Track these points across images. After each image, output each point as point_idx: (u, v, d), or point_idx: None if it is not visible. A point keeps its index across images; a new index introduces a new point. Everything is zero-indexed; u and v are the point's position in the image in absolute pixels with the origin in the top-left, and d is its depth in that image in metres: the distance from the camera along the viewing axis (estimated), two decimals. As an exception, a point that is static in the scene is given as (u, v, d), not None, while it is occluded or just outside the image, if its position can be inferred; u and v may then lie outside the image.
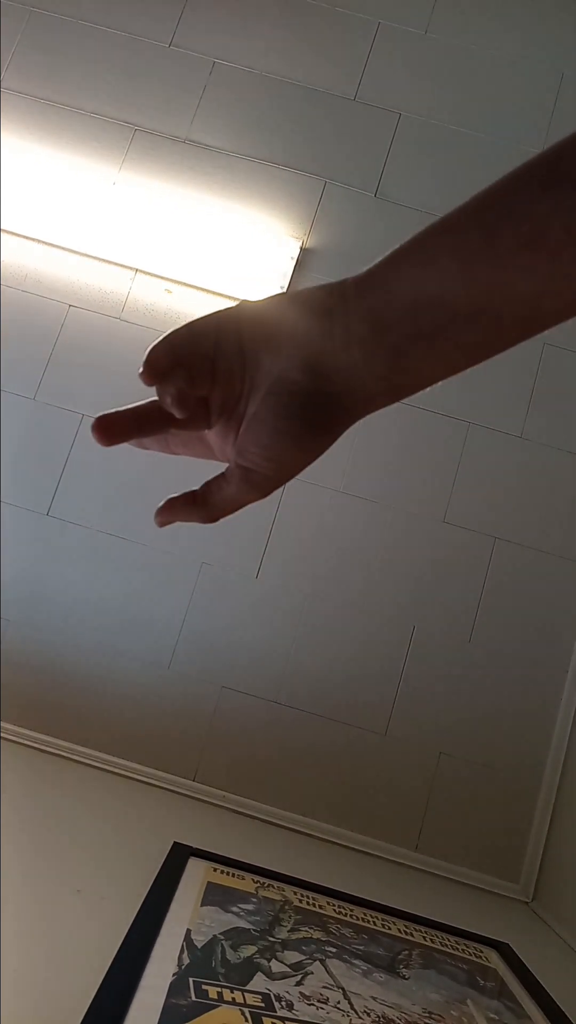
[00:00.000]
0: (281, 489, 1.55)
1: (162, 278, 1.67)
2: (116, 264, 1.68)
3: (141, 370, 0.40)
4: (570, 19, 1.84)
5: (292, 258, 1.66)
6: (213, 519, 0.45)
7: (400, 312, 0.35)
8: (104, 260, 1.67)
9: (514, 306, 0.33)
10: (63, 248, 1.67)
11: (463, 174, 1.74)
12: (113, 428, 0.43)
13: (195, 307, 1.66)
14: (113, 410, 0.44)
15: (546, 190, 0.32)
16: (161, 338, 0.40)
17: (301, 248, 1.68)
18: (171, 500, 0.47)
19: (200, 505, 0.45)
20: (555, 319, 0.34)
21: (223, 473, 0.44)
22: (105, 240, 1.66)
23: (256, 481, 0.42)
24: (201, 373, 0.40)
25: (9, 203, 1.67)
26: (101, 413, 0.42)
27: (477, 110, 1.77)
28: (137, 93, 1.78)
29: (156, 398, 0.43)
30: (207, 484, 0.45)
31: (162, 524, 0.48)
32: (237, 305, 0.41)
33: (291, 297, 0.40)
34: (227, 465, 0.44)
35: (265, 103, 1.77)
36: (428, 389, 0.38)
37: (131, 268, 1.68)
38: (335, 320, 0.37)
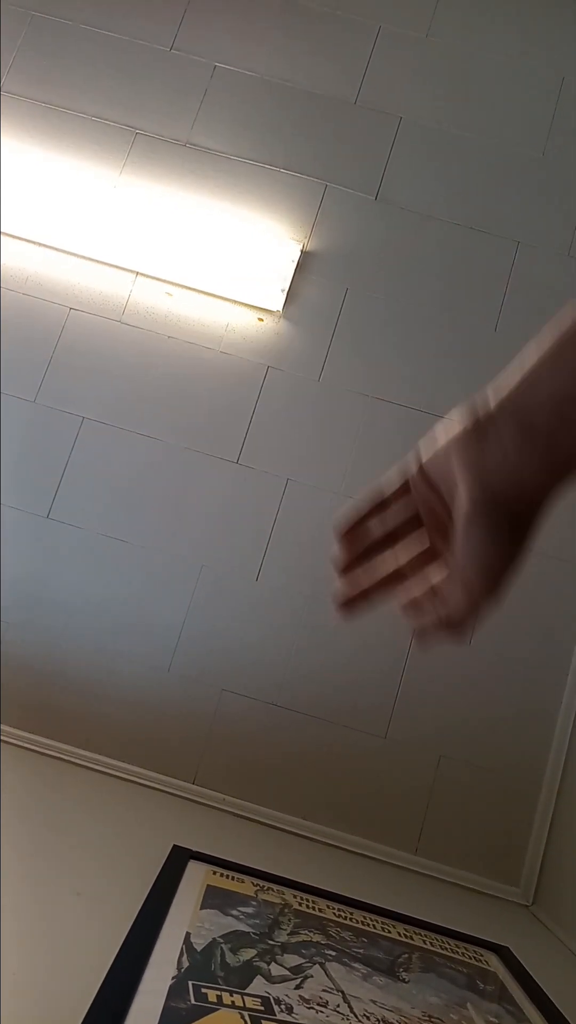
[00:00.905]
0: (282, 490, 1.55)
1: (163, 281, 1.67)
2: (117, 267, 1.68)
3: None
4: (571, 23, 1.84)
5: (293, 261, 1.66)
6: (461, 635, 0.48)
7: (546, 414, 0.41)
8: (105, 263, 1.68)
9: None
10: (64, 251, 1.68)
11: (464, 178, 1.74)
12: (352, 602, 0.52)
13: (196, 310, 1.66)
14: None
15: None
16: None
17: (302, 251, 1.68)
18: (423, 628, 0.48)
19: (448, 626, 0.48)
20: None
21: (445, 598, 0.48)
22: (106, 243, 1.67)
23: (472, 595, 0.45)
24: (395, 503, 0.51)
25: (10, 206, 1.67)
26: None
27: (478, 114, 1.78)
28: (138, 97, 1.78)
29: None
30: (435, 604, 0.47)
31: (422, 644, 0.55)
32: (420, 450, 0.49)
33: (453, 432, 0.46)
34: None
35: (266, 106, 1.78)
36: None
37: (132, 271, 1.68)
38: (490, 439, 0.43)
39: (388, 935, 1.00)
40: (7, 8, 1.81)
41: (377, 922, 1.04)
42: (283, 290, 1.64)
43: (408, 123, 1.77)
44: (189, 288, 1.67)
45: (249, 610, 1.54)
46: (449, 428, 0.46)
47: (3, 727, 1.44)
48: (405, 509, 0.51)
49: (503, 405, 0.43)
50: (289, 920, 0.94)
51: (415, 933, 1.05)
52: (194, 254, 1.67)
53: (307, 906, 1.02)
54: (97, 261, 1.68)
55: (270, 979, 0.76)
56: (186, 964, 0.74)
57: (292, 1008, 0.71)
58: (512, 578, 0.44)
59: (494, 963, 1.03)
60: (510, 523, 0.44)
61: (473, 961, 1.01)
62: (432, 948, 1.01)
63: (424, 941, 1.03)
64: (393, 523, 0.51)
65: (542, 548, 1.56)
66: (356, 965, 0.87)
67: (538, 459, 0.42)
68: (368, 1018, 0.74)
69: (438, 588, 0.47)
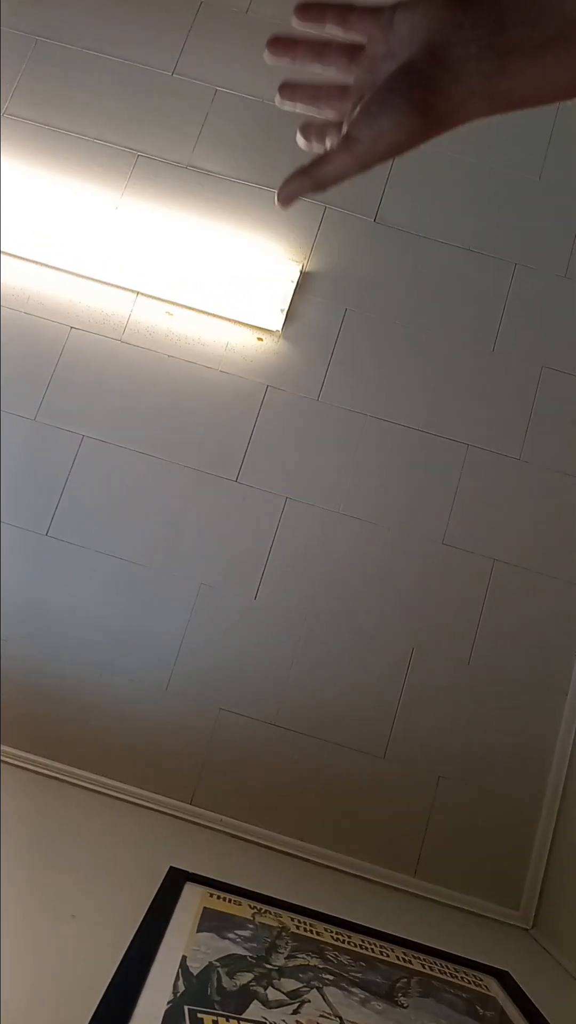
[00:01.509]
0: (280, 509, 1.56)
1: (163, 301, 1.69)
2: (118, 287, 1.69)
3: None
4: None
5: (292, 282, 1.68)
6: (322, 187, 0.49)
7: (520, 16, 0.39)
8: (106, 283, 1.69)
9: None
10: (65, 271, 1.69)
11: (461, 200, 1.76)
12: (283, 43, 0.53)
13: (196, 330, 1.67)
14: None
15: None
16: None
17: (301, 272, 1.70)
18: (286, 180, 0.51)
19: (308, 175, 0.50)
20: None
21: (331, 147, 0.49)
22: (107, 263, 1.68)
23: (357, 153, 0.45)
24: (358, 20, 0.48)
25: (13, 226, 1.69)
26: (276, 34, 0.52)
27: (474, 136, 1.80)
28: (140, 120, 1.81)
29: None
30: (316, 157, 0.50)
31: (285, 203, 0.53)
32: None
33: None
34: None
35: (266, 130, 1.80)
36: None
37: (133, 291, 1.69)
38: (468, 15, 0.41)
39: (387, 959, 0.99)
40: (12, 32, 1.84)
41: (375, 946, 1.03)
42: (283, 310, 1.66)
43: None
44: (189, 308, 1.68)
45: (247, 629, 1.54)
46: None
47: (2, 747, 1.44)
48: (357, 33, 0.49)
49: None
50: (286, 944, 0.93)
51: (414, 957, 1.04)
52: (194, 274, 1.68)
53: (305, 929, 1.01)
54: (98, 281, 1.69)
55: (267, 1004, 0.75)
56: (182, 988, 0.73)
57: (289, 1034, 0.70)
58: (383, 160, 0.45)
59: (494, 988, 1.02)
60: (420, 101, 0.42)
61: (473, 986, 0.99)
62: (431, 972, 1.00)
63: (423, 965, 1.01)
64: (340, 34, 0.50)
65: (540, 568, 1.56)
66: (354, 990, 0.86)
67: (488, 63, 0.40)
68: (366, 1044, 0.73)
69: (328, 130, 0.51)
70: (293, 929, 0.99)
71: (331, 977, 0.87)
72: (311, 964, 0.89)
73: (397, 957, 1.01)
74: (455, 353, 1.67)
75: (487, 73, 0.40)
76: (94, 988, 0.68)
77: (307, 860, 1.41)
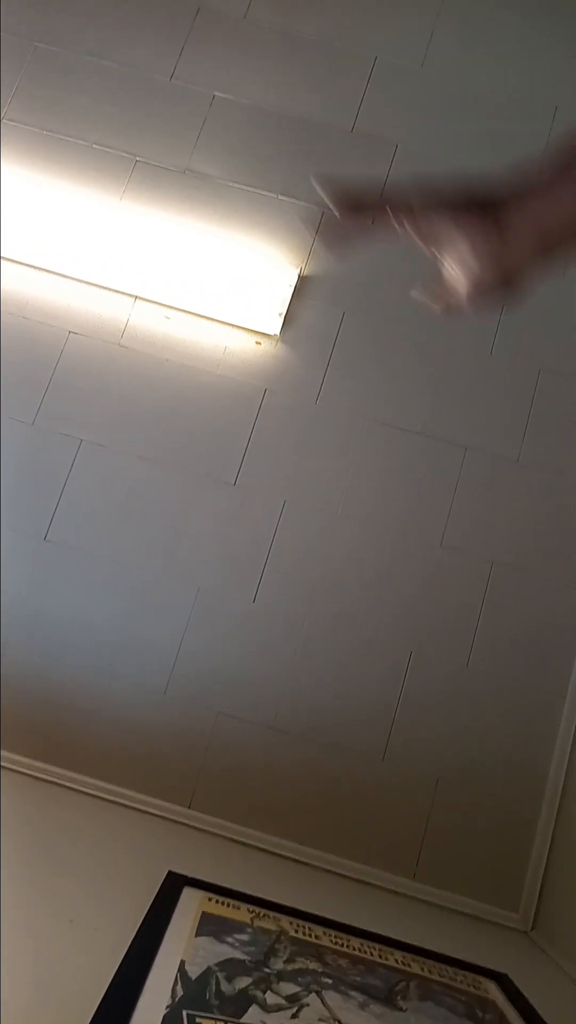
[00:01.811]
0: (279, 512, 1.56)
1: (162, 305, 1.69)
2: (116, 291, 1.70)
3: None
4: (564, 52, 1.88)
5: (290, 286, 1.68)
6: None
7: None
8: (104, 287, 1.69)
9: None
10: (64, 275, 1.70)
11: (458, 204, 1.76)
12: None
13: (194, 333, 1.68)
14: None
15: None
16: None
17: (299, 275, 1.70)
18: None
19: None
20: None
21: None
22: (105, 267, 1.69)
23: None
24: None
25: (11, 231, 1.69)
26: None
27: (472, 141, 1.81)
28: (138, 125, 1.81)
29: None
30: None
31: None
32: None
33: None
34: None
35: (264, 134, 1.81)
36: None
37: (131, 295, 1.70)
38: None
39: (385, 962, 0.99)
40: (11, 38, 1.85)
41: (374, 949, 1.03)
42: (281, 314, 1.66)
43: (404, 151, 1.80)
44: (187, 312, 1.69)
45: (246, 632, 1.54)
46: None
47: (1, 751, 1.44)
48: None
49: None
50: (285, 947, 0.93)
51: (413, 960, 1.03)
52: (193, 278, 1.68)
53: (303, 933, 1.01)
54: (96, 285, 1.69)
55: (265, 1008, 0.75)
56: (180, 993, 0.73)
57: (287, 1038, 0.70)
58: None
59: (493, 991, 1.02)
60: None
61: (472, 989, 0.99)
62: (430, 976, 1.00)
63: (422, 968, 1.01)
64: None
65: (539, 570, 1.56)
66: (353, 993, 0.86)
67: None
68: (364, 1048, 0.73)
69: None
70: (292, 933, 0.99)
71: (330, 981, 0.87)
72: (310, 968, 0.89)
73: (396, 960, 1.01)
74: (453, 356, 1.68)
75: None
76: (93, 992, 0.68)
77: (306, 864, 1.41)
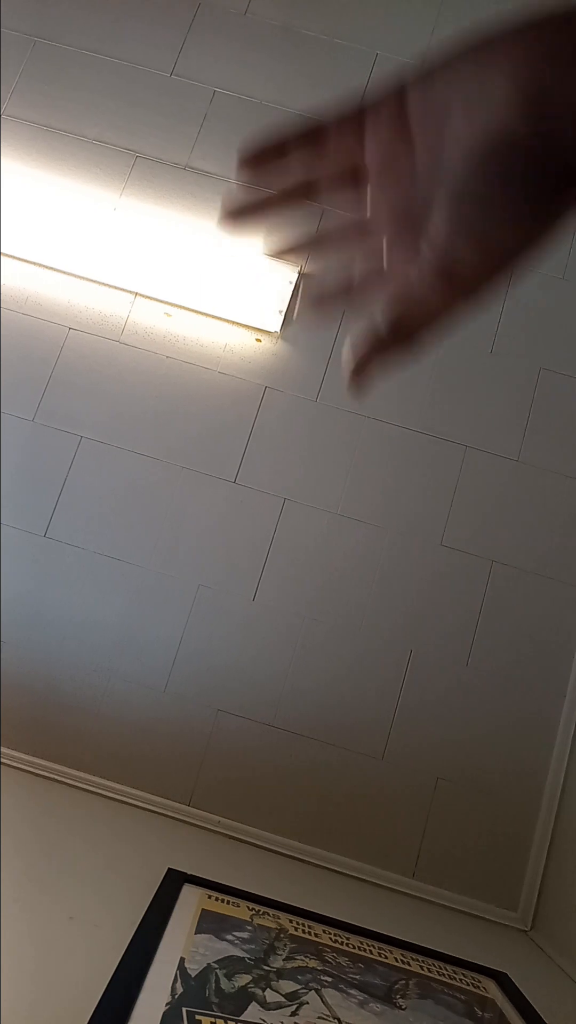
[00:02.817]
0: (279, 511, 1.55)
1: (162, 302, 1.69)
2: (116, 288, 1.69)
3: None
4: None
5: (290, 283, 1.68)
6: None
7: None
8: (104, 284, 1.69)
9: None
10: (64, 272, 1.69)
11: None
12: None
13: (194, 331, 1.67)
14: None
15: None
16: None
17: (299, 273, 1.70)
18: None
19: None
20: None
21: None
22: (105, 264, 1.68)
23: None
24: None
25: (11, 227, 1.69)
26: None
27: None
28: (139, 121, 1.80)
29: None
30: None
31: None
32: None
33: None
34: None
35: (264, 131, 1.80)
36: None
37: (131, 292, 1.69)
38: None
39: (385, 961, 0.99)
40: (10, 34, 1.84)
41: (374, 947, 1.03)
42: (281, 311, 1.66)
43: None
44: (188, 309, 1.68)
45: (245, 630, 1.54)
46: None
47: (1, 748, 1.44)
48: None
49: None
50: (285, 945, 0.93)
51: (412, 959, 1.03)
52: (193, 275, 1.68)
53: (303, 931, 1.01)
54: (96, 282, 1.69)
55: (265, 1006, 0.75)
56: (180, 990, 0.73)
57: (287, 1036, 0.70)
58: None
59: (492, 989, 1.01)
60: None
61: (471, 987, 0.99)
62: (429, 974, 1.00)
63: (421, 967, 1.01)
64: None
65: (539, 570, 1.56)
66: (352, 991, 0.86)
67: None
68: (364, 1046, 0.73)
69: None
70: (292, 931, 0.99)
71: (329, 979, 0.87)
72: (309, 966, 0.89)
73: (395, 959, 1.01)
74: (453, 354, 1.67)
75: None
76: (92, 990, 0.68)
77: (306, 862, 1.41)
